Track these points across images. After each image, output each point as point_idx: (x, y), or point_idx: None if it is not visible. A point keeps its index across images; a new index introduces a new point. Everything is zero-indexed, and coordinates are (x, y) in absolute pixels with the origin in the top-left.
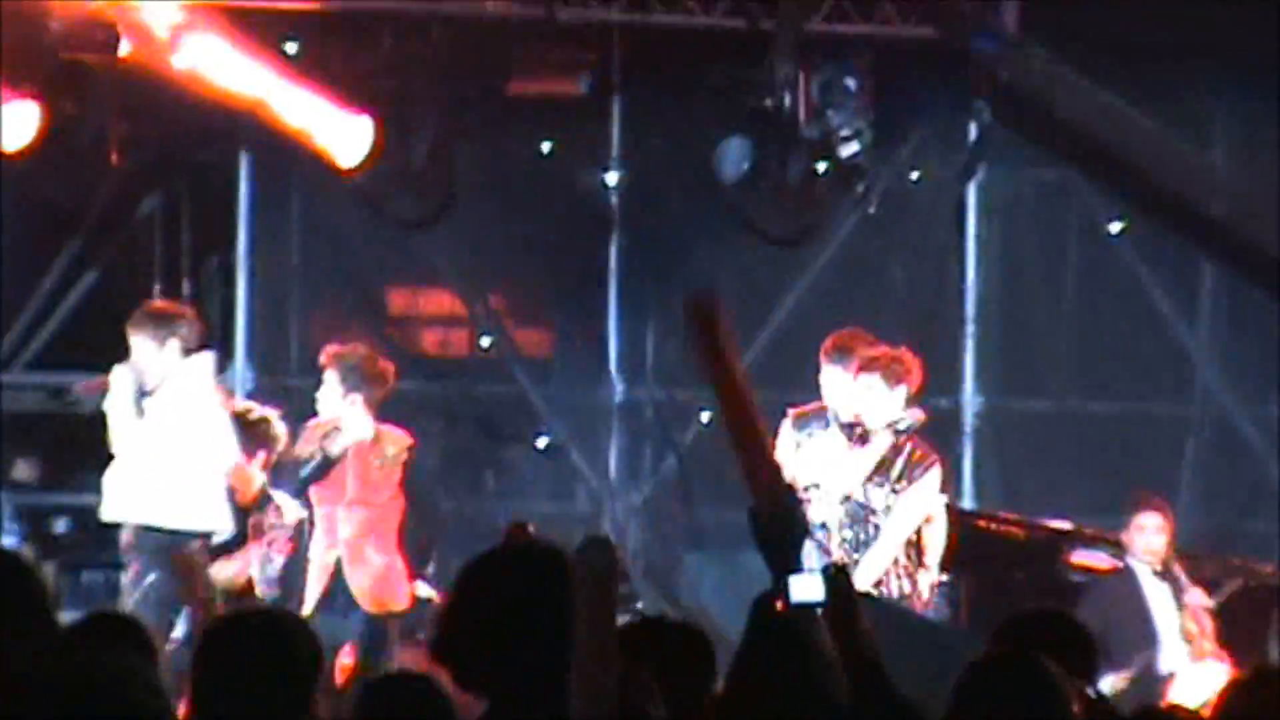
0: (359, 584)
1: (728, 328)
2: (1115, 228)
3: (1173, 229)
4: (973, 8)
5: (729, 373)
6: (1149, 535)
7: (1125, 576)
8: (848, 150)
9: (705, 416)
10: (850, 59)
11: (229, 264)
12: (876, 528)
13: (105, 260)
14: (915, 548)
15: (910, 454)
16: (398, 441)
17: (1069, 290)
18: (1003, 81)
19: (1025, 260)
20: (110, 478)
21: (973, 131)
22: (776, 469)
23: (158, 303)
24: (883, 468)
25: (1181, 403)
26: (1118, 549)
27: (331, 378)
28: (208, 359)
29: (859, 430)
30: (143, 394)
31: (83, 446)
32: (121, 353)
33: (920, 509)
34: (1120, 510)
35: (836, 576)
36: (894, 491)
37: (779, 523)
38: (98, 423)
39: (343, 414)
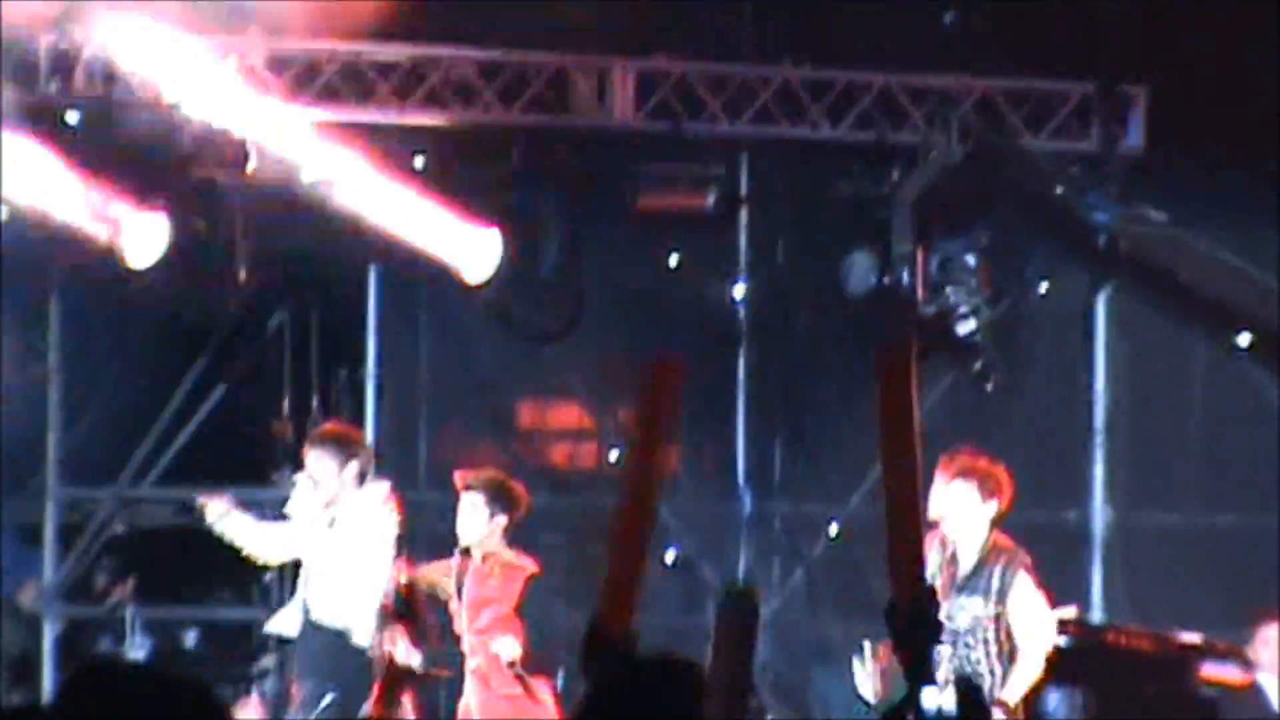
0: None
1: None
2: (1243, 340)
3: None
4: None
5: (906, 442)
6: (1275, 648)
7: (1255, 691)
8: (964, 328)
9: (833, 529)
10: (970, 235)
11: (358, 379)
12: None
13: (234, 376)
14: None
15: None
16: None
17: (1197, 402)
18: (1123, 252)
19: (1153, 371)
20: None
21: (1101, 242)
22: (922, 566)
23: (337, 426)
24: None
25: None
26: (1247, 662)
27: (477, 500)
28: (384, 487)
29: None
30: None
31: (211, 560)
32: (248, 467)
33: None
34: (1248, 624)
35: (969, 690)
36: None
37: (916, 621)
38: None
39: (486, 536)
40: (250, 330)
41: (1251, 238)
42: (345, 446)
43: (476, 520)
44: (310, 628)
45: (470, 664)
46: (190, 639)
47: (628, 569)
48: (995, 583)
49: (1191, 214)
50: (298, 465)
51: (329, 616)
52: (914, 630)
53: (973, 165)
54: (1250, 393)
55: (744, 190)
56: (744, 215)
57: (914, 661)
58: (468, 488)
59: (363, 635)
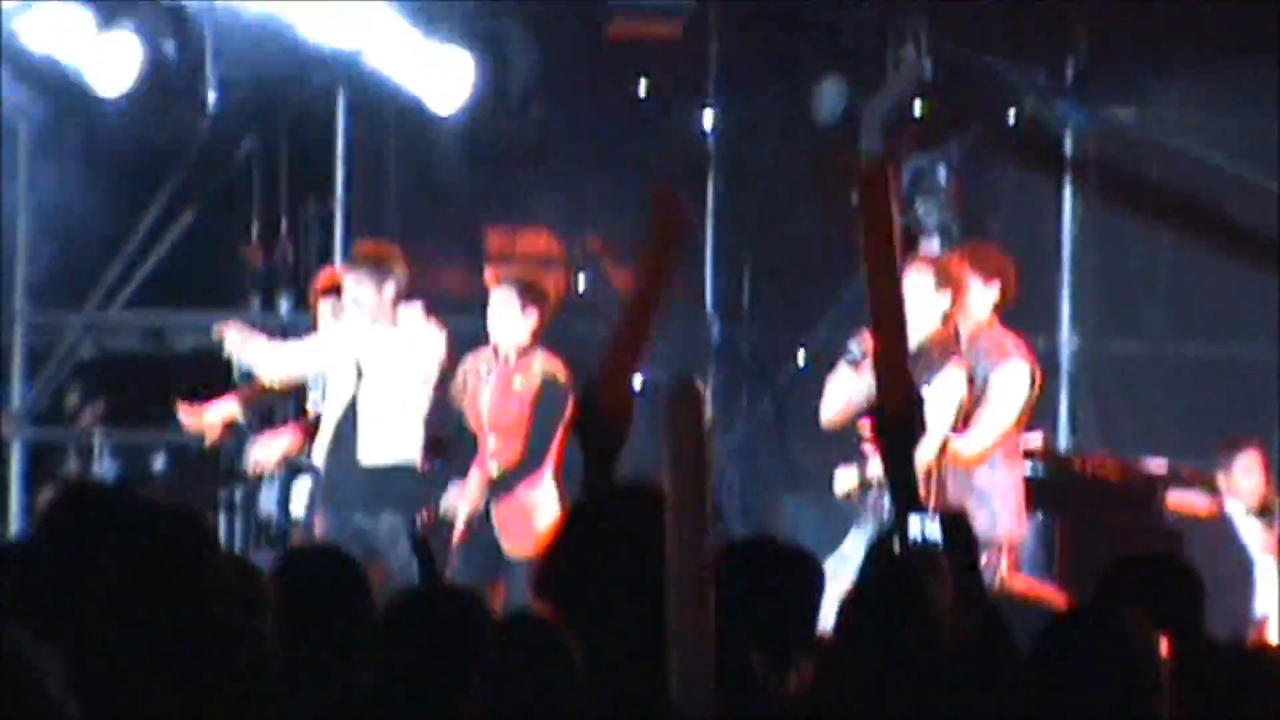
0: None
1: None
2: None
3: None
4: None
5: (889, 258)
6: (1246, 476)
7: (1222, 519)
8: (929, 247)
9: (801, 356)
10: (941, 149)
11: (327, 205)
12: None
13: (203, 200)
14: None
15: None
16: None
17: (1166, 230)
18: (1092, 159)
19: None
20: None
21: (1070, 73)
22: (908, 372)
23: (373, 245)
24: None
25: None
26: (1214, 490)
27: (509, 295)
28: (417, 307)
29: None
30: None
31: (179, 384)
32: (217, 291)
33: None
34: (1216, 452)
35: (956, 519)
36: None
37: (904, 428)
38: (193, 361)
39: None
40: (219, 155)
41: (1227, 64)
42: (382, 265)
43: (509, 318)
44: (355, 458)
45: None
46: (158, 463)
47: (631, 339)
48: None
49: (1166, 45)
50: (266, 290)
51: (388, 447)
52: (902, 438)
53: (942, 80)
54: (1224, 221)
55: (713, 17)
56: (714, 42)
57: (900, 474)
58: (498, 283)
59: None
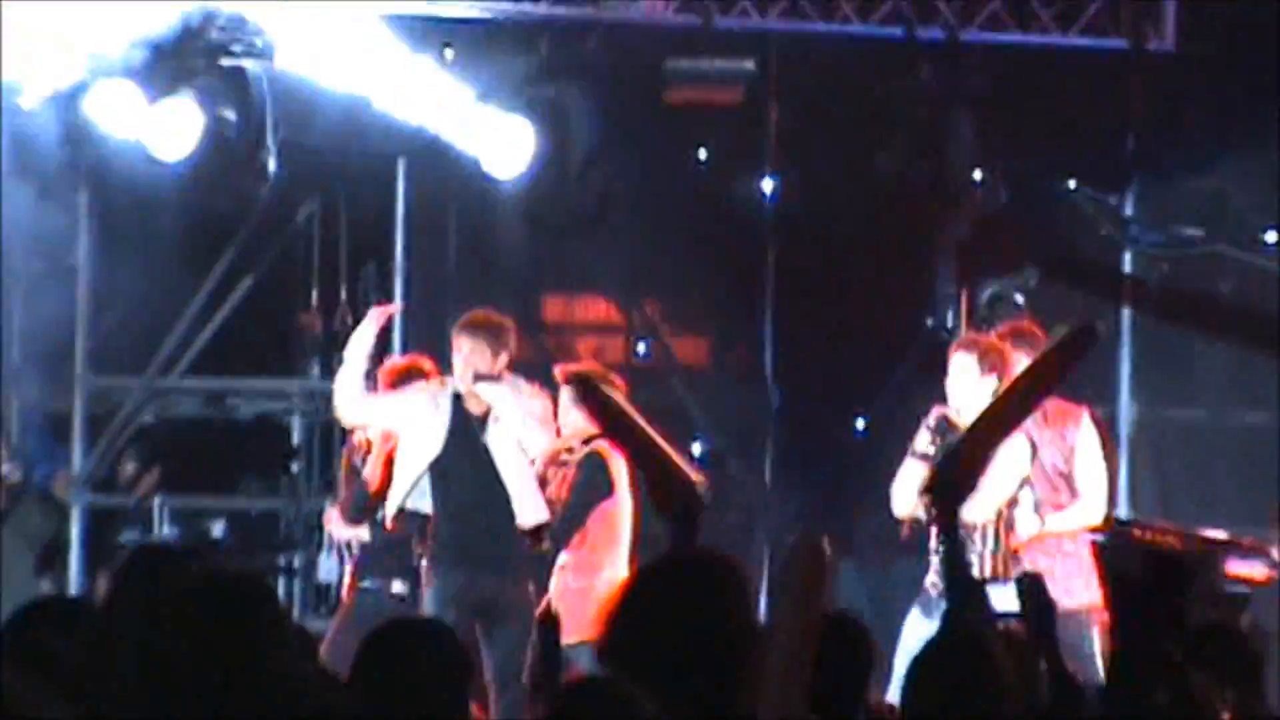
0: None
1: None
2: (1271, 237)
3: None
4: None
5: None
6: None
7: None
8: None
9: (860, 423)
10: (1017, 274)
11: (386, 271)
12: None
13: (263, 266)
14: None
15: None
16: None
17: (1223, 298)
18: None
19: (1181, 267)
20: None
21: (1130, 141)
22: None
23: (487, 313)
24: None
25: None
26: (1273, 558)
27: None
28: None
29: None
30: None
31: (238, 450)
32: (275, 358)
33: None
34: (1271, 520)
35: (1033, 586)
36: None
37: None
38: (252, 428)
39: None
40: (279, 222)
41: None
42: (501, 334)
43: (573, 413)
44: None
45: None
46: (217, 529)
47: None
48: None
49: (1223, 114)
50: (326, 357)
51: (533, 512)
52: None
53: (1017, 208)
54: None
55: (773, 83)
56: (773, 110)
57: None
58: (566, 382)
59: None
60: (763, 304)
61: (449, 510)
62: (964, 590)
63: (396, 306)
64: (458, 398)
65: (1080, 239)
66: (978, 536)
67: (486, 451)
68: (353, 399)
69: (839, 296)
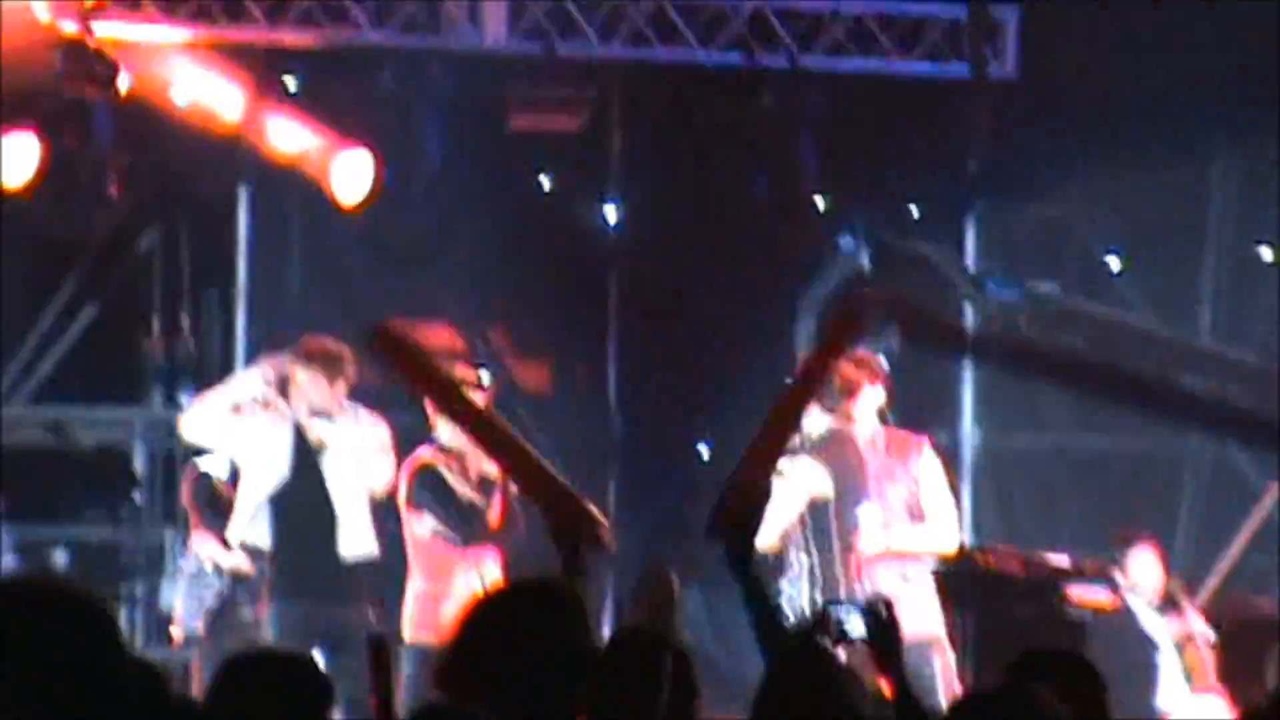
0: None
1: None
2: (1114, 264)
3: (1172, 264)
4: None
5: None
6: (1143, 570)
7: (1124, 613)
8: None
9: (705, 452)
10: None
11: (229, 297)
12: None
13: (105, 294)
14: None
15: None
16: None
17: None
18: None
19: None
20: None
21: (971, 166)
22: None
23: (322, 342)
24: None
25: (1180, 437)
26: (1116, 585)
27: None
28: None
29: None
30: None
31: (80, 480)
32: (119, 386)
33: None
34: (1113, 546)
35: (881, 611)
36: None
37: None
38: (95, 456)
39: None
40: (121, 248)
41: (1122, 163)
42: (337, 362)
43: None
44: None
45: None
46: (59, 559)
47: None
48: None
49: (1065, 140)
50: (168, 385)
51: (361, 540)
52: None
53: (877, 273)
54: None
55: (616, 112)
56: (615, 136)
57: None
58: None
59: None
60: (606, 330)
61: (287, 540)
62: (769, 623)
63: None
64: (297, 427)
65: (933, 295)
66: (793, 560)
67: (323, 482)
68: (202, 419)
69: (682, 322)
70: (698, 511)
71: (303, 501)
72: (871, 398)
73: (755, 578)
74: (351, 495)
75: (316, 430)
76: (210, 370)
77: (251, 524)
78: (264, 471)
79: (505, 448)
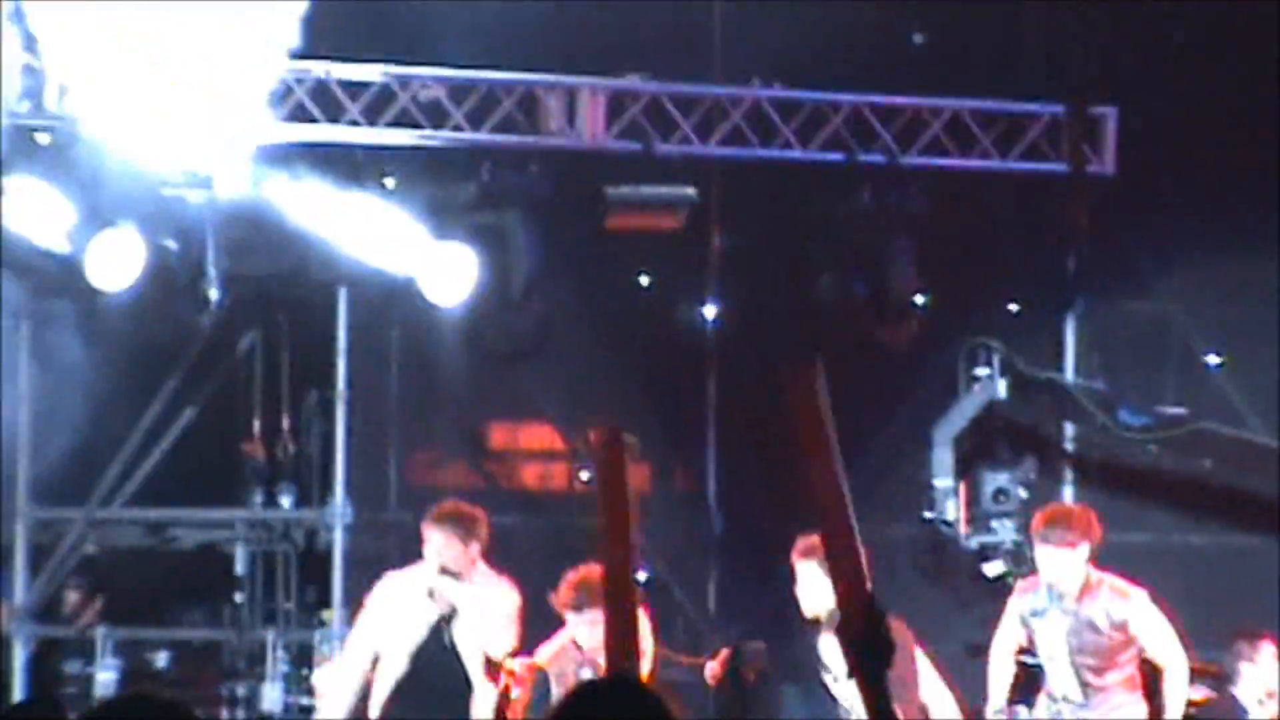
0: None
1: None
2: (1214, 360)
3: (1272, 361)
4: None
5: (826, 456)
6: (1268, 667)
7: (1232, 705)
8: (993, 571)
9: None
10: (1019, 468)
11: (328, 399)
12: None
13: (204, 396)
14: None
15: None
16: None
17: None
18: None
19: (1125, 392)
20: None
21: (1071, 264)
22: (863, 578)
23: (457, 505)
24: None
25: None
26: (1218, 681)
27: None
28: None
29: None
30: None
31: (180, 581)
32: (218, 487)
33: None
34: (1232, 642)
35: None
36: None
37: (866, 637)
38: (196, 557)
39: None
40: (221, 351)
41: (1226, 255)
42: (472, 526)
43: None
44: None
45: None
46: (160, 660)
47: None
48: None
49: (1164, 236)
50: (268, 486)
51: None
52: (865, 648)
53: (1012, 399)
54: (1223, 412)
55: (715, 210)
56: (714, 235)
57: (869, 684)
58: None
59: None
60: (705, 429)
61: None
62: None
63: None
64: (429, 591)
65: (1067, 424)
66: None
67: (454, 647)
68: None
69: (781, 420)
70: (797, 609)
71: (432, 665)
72: None
73: (884, 688)
74: (478, 661)
75: (447, 592)
76: (309, 471)
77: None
78: (401, 650)
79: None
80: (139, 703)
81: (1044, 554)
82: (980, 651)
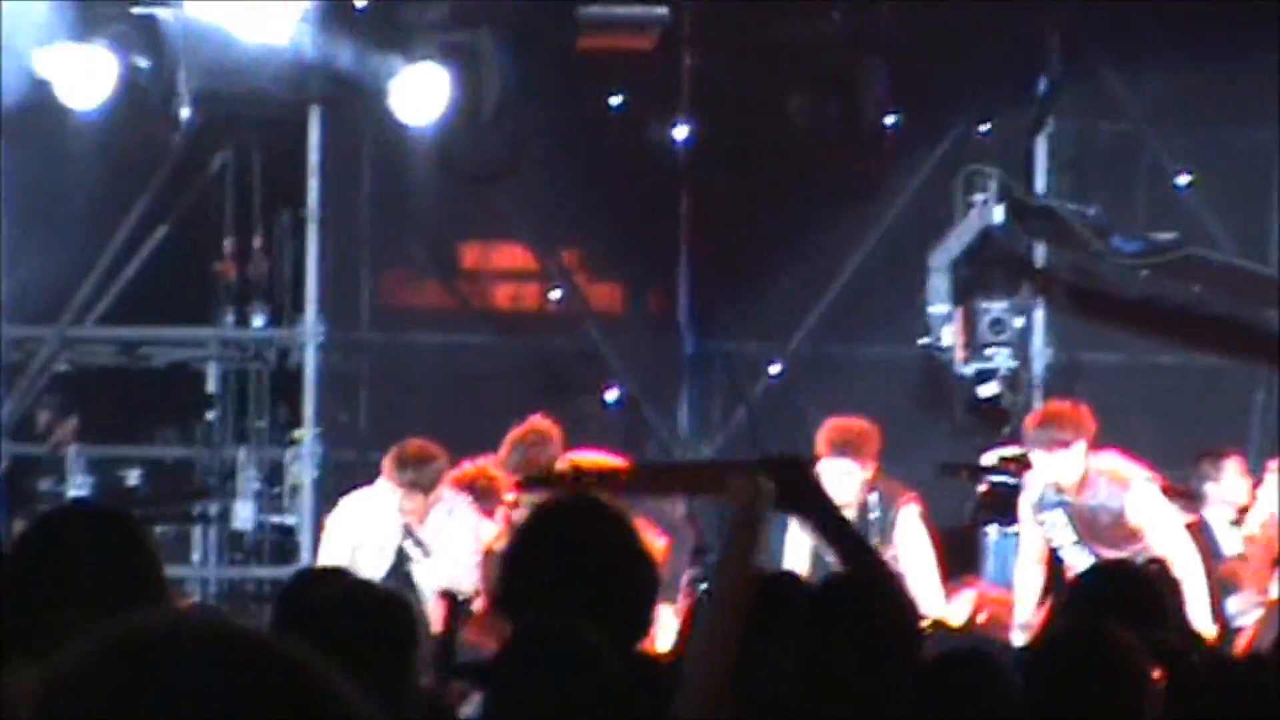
0: None
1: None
2: (1183, 180)
3: (1241, 180)
4: None
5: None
6: (1233, 485)
7: (1201, 527)
8: (987, 391)
9: (775, 368)
10: (1017, 296)
11: (300, 218)
12: None
13: (176, 215)
14: None
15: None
16: None
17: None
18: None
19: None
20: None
21: (1042, 84)
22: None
23: (421, 447)
24: None
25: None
26: (1188, 501)
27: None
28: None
29: None
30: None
31: (153, 399)
32: (190, 307)
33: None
34: (1197, 462)
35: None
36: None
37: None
38: (168, 376)
39: None
40: (192, 170)
41: (1198, 76)
42: (428, 471)
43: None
44: None
45: None
46: (133, 478)
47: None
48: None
49: (1136, 56)
50: (240, 305)
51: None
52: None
53: (1008, 227)
54: (1192, 232)
55: (686, 31)
56: (686, 56)
57: (819, 524)
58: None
59: None
60: (677, 250)
61: None
62: (854, 540)
63: None
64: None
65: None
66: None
67: (416, 586)
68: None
69: (753, 241)
70: (772, 426)
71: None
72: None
73: (830, 502)
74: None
75: (411, 533)
76: (281, 291)
77: None
78: (371, 561)
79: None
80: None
81: (1039, 457)
82: (953, 471)
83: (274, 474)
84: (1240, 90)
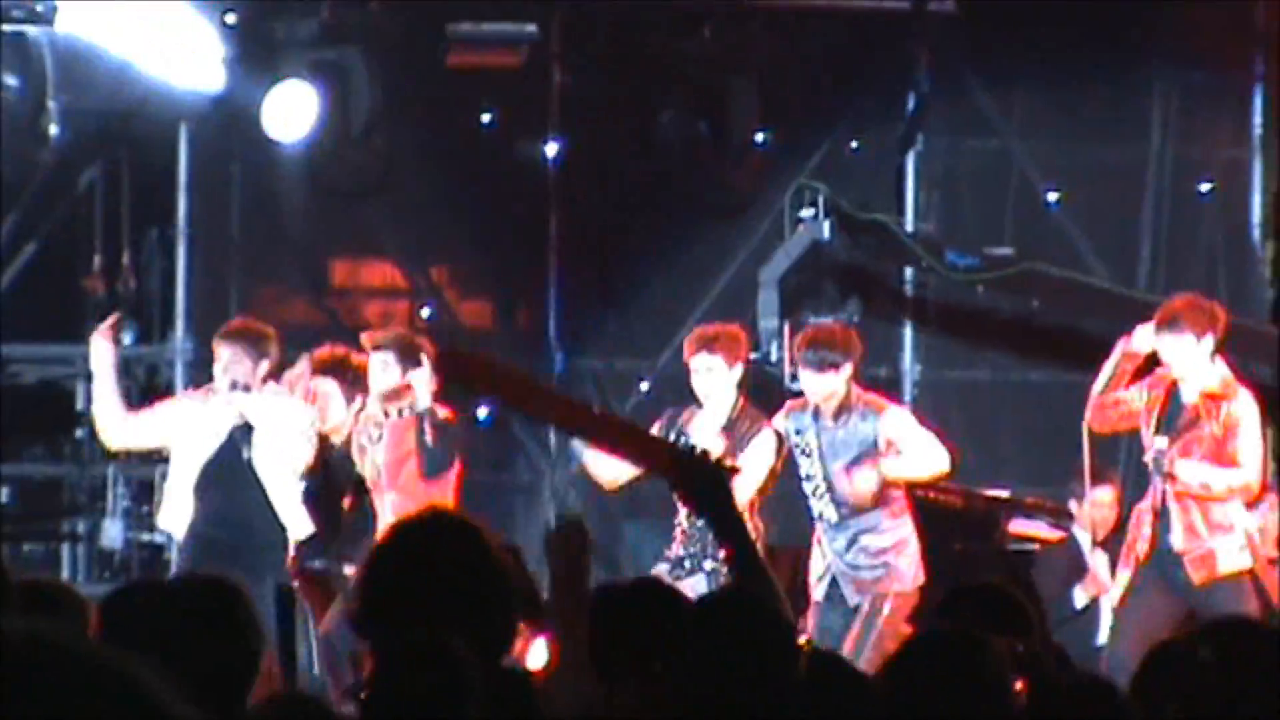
0: None
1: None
2: (1053, 197)
3: (1112, 198)
4: None
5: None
6: (1104, 509)
7: (1069, 545)
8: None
9: (644, 385)
10: (843, 310)
11: (169, 235)
12: None
13: (45, 232)
14: None
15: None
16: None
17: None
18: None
19: (963, 229)
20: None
21: (911, 102)
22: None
23: (247, 322)
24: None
25: None
26: (1058, 517)
27: (388, 358)
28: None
29: None
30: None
31: (22, 416)
32: (59, 323)
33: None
34: (1070, 480)
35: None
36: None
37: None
38: (36, 393)
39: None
40: (61, 187)
41: (1067, 94)
42: (261, 343)
43: (388, 378)
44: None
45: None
46: (2, 495)
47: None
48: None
49: (1006, 74)
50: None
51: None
52: (697, 490)
53: (840, 241)
54: (1061, 250)
55: (555, 47)
56: (555, 73)
57: (716, 521)
58: (376, 347)
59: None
60: (547, 266)
61: (209, 519)
62: (753, 557)
63: (115, 317)
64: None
65: (892, 267)
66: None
67: (249, 464)
68: (115, 424)
69: (623, 258)
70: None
71: (225, 482)
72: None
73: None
74: (279, 476)
75: (239, 404)
76: (150, 307)
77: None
78: (190, 453)
79: (600, 428)
80: None
81: (806, 376)
82: None
83: (143, 492)
84: (1109, 108)
